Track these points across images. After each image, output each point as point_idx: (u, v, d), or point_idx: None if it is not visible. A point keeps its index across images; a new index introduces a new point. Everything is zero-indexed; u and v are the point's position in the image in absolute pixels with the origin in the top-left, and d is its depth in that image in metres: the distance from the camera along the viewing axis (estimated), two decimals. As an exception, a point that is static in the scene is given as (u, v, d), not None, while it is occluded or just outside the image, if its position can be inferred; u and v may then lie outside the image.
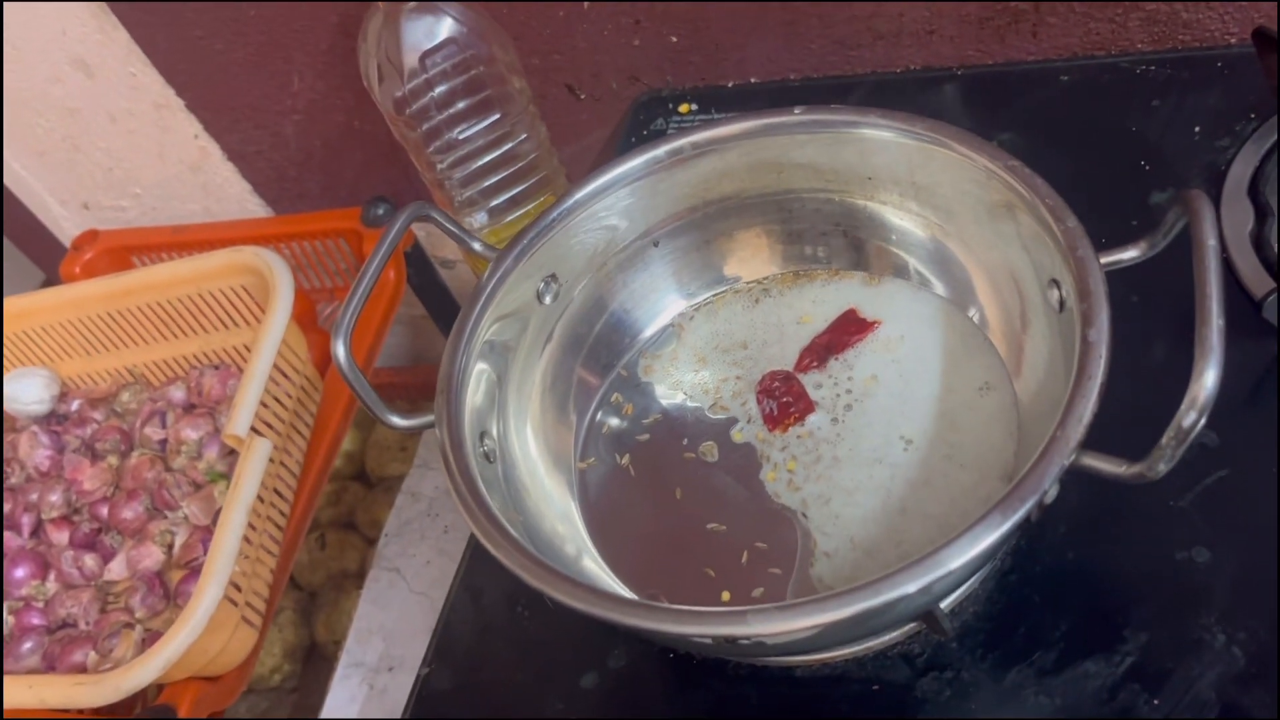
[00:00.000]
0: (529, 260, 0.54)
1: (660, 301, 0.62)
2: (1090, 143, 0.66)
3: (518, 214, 0.79)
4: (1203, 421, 0.36)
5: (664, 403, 0.59)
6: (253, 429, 0.68)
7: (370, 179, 0.96)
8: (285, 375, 0.73)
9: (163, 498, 0.76)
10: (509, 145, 0.75)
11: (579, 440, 0.57)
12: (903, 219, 0.56)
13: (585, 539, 0.52)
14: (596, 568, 0.50)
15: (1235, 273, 0.57)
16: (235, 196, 1.02)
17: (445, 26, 0.70)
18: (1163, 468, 0.37)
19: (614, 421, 0.59)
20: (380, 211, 0.90)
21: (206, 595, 0.61)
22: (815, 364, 0.57)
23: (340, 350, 0.48)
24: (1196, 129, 0.64)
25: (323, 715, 0.68)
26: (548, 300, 0.56)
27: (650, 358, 0.61)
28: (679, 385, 0.59)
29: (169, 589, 0.74)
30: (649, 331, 0.62)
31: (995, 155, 0.48)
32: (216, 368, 0.81)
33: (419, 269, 0.96)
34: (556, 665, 0.54)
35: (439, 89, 0.70)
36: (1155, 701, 0.44)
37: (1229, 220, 0.59)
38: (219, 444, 0.77)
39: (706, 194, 0.58)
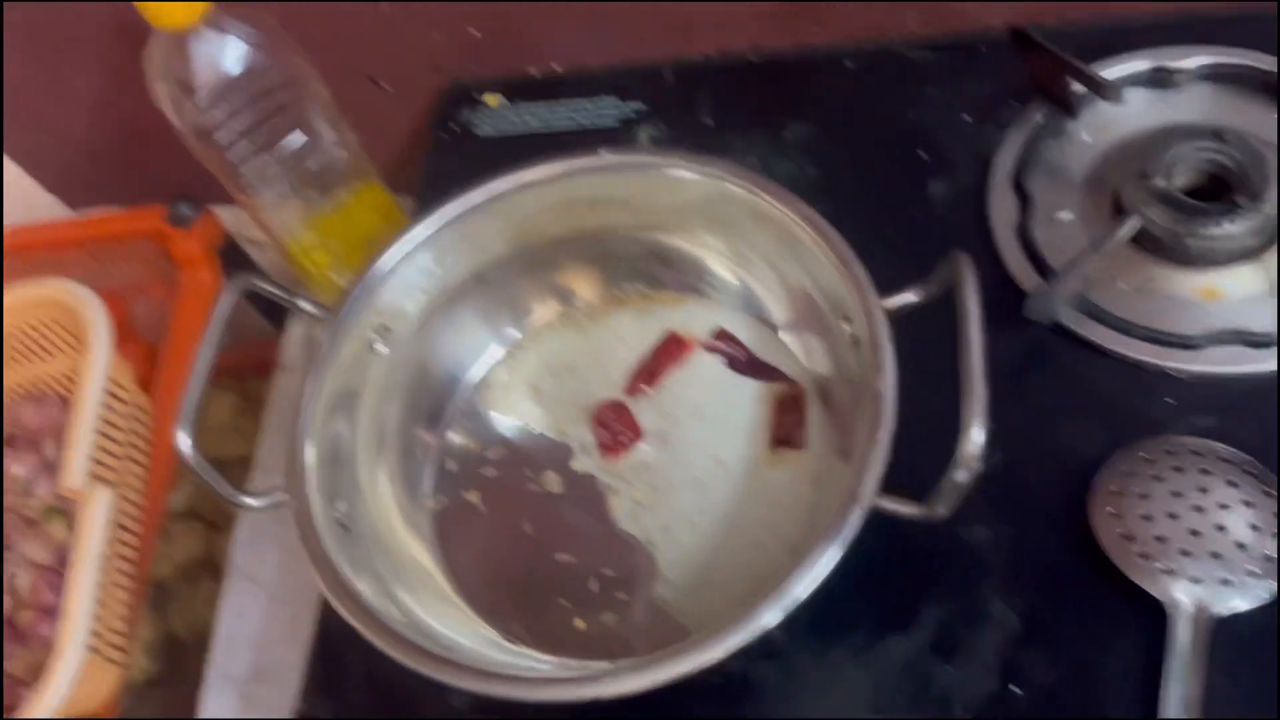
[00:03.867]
0: (358, 318, 0.56)
1: (488, 338, 0.64)
2: (873, 131, 0.70)
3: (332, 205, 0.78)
4: (972, 473, 0.43)
5: (505, 434, 0.61)
6: (91, 475, 0.68)
7: (174, 170, 0.92)
8: (112, 409, 0.72)
9: (-5, 540, 0.74)
10: (317, 155, 0.74)
11: (426, 483, 0.60)
12: (709, 249, 0.60)
13: (444, 585, 0.56)
14: (460, 614, 0.54)
15: (1002, 264, 0.63)
16: (23, 194, 0.96)
17: (234, 45, 0.68)
18: (943, 511, 0.44)
19: (458, 461, 0.61)
20: (185, 211, 0.88)
21: (64, 669, 0.61)
22: (644, 387, 0.61)
23: (184, 443, 0.49)
24: (966, 116, 0.69)
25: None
26: (383, 350, 0.58)
27: (485, 391, 0.63)
28: (517, 415, 0.62)
29: (19, 631, 0.73)
30: (480, 368, 0.64)
31: (788, 200, 0.52)
32: (35, 399, 0.79)
33: (231, 258, 0.94)
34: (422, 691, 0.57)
35: (237, 111, 0.68)
36: (949, 667, 0.52)
37: (997, 210, 0.64)
38: (49, 479, 0.76)
39: (524, 234, 0.60)
